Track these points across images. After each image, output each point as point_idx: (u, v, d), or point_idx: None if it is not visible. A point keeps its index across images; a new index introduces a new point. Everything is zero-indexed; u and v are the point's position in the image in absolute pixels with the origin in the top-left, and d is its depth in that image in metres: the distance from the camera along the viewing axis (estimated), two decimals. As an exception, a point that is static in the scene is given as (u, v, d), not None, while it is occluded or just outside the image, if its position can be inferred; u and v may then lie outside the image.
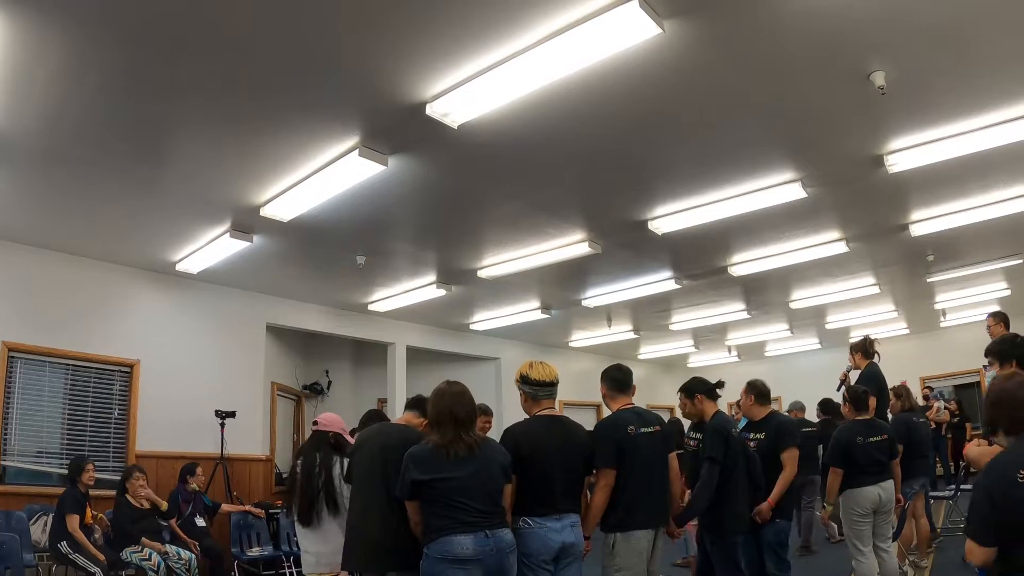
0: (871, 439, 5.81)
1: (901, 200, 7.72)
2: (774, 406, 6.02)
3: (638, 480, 4.37)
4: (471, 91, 4.93)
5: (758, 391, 5.82)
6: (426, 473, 3.72)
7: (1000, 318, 8.21)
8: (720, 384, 5.48)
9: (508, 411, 11.42)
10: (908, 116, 5.79)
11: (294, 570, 8.14)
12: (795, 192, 7.01)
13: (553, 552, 3.98)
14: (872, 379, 6.95)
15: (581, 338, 15.00)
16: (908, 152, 6.30)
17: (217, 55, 4.64)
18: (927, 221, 8.20)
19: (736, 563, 5.06)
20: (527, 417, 4.36)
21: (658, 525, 4.48)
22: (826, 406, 10.05)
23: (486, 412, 7.16)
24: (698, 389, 5.39)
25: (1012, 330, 8.26)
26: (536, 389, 4.30)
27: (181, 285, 9.51)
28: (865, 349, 7.28)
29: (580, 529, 4.17)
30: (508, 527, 3.82)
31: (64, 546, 6.72)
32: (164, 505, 7.57)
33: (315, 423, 5.15)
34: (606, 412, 4.85)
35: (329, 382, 13.24)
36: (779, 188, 6.99)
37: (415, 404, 4.76)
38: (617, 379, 4.72)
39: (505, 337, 14.38)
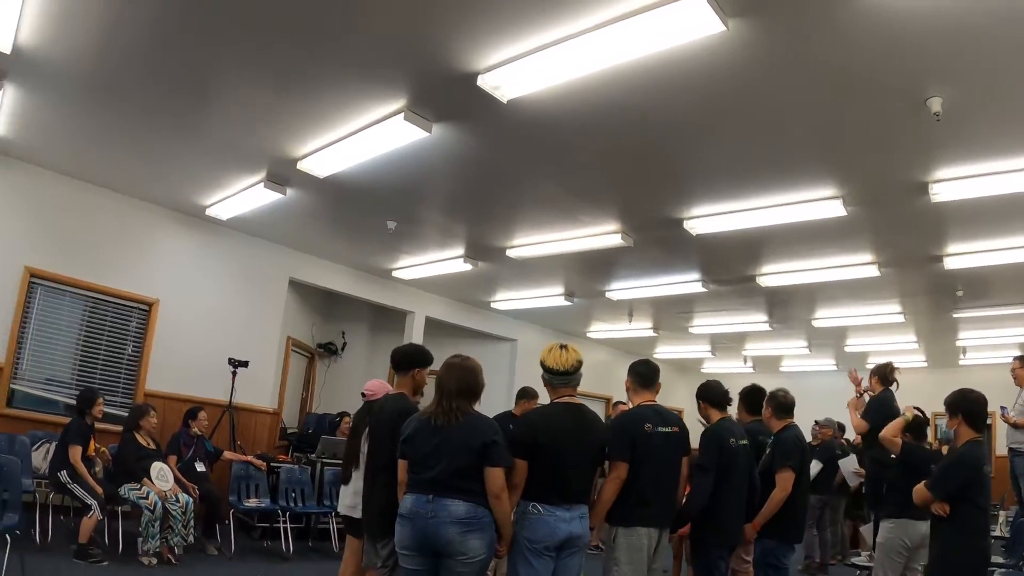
0: None
1: (939, 231, 7.62)
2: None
3: (649, 477, 4.31)
4: (525, 67, 4.88)
5: (777, 402, 5.69)
6: (404, 432, 3.93)
7: (1026, 362, 8.05)
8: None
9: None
10: (959, 146, 5.69)
11: (289, 525, 8.16)
12: (835, 209, 6.93)
13: (558, 540, 3.91)
14: (881, 405, 6.82)
15: (600, 329, 14.97)
16: (954, 183, 6.22)
17: (272, 1, 4.61)
18: (962, 256, 8.10)
19: None
20: (547, 403, 4.33)
21: (664, 525, 4.43)
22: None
23: (530, 396, 7.17)
24: (702, 396, 5.23)
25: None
26: (551, 377, 4.20)
27: (209, 230, 9.53)
28: (885, 376, 7.15)
29: (588, 521, 4.11)
30: (465, 502, 3.70)
31: (64, 475, 6.74)
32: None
33: (363, 394, 5.31)
34: (617, 405, 4.80)
35: (344, 343, 13.23)
36: (819, 203, 6.91)
37: None
38: (643, 374, 4.65)
39: (524, 319, 14.36)
